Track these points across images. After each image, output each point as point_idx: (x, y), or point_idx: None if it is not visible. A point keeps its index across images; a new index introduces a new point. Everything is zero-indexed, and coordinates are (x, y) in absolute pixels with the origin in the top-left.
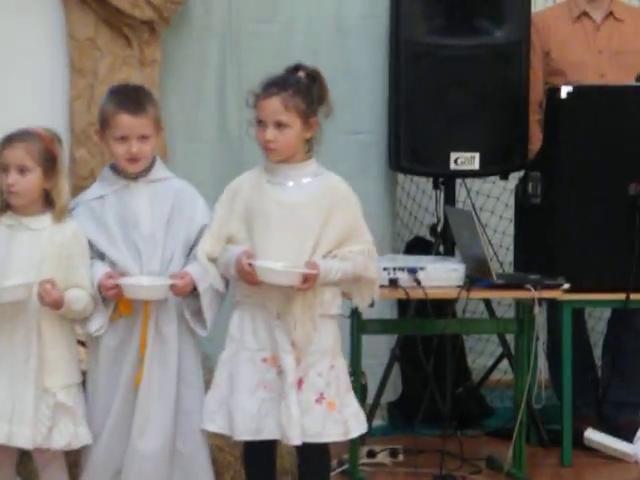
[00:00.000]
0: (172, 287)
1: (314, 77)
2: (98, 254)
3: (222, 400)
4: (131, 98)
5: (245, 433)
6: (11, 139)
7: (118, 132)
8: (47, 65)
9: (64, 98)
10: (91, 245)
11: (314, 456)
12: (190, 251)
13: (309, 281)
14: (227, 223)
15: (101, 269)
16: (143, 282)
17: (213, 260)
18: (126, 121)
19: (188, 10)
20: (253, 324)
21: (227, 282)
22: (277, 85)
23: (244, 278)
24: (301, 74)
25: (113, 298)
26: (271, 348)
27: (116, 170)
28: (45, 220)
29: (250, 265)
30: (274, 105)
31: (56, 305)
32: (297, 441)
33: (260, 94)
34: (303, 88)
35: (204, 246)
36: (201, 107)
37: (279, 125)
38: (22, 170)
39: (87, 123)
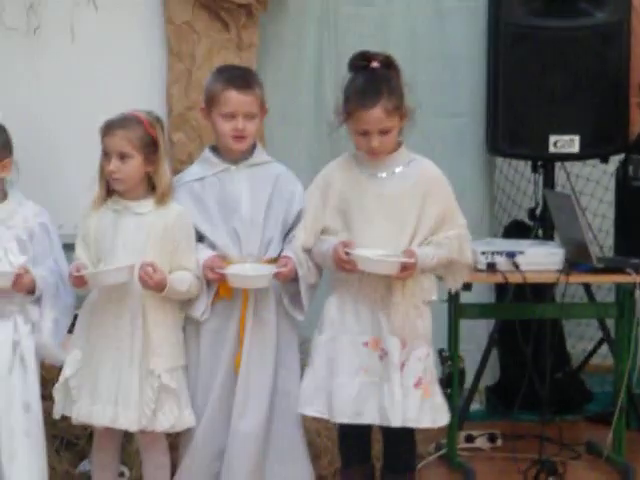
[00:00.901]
0: (276, 274)
1: (388, 63)
2: (197, 235)
3: (320, 383)
4: (239, 76)
5: (345, 416)
6: (111, 126)
7: (226, 108)
8: (145, 49)
9: (161, 82)
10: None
11: (402, 441)
12: (287, 235)
13: (408, 270)
14: (321, 215)
15: (206, 252)
16: (249, 272)
17: (307, 251)
18: (234, 97)
19: None
20: (355, 308)
21: (320, 270)
22: (373, 93)
23: (342, 267)
24: (375, 64)
25: (216, 282)
26: (373, 332)
27: (217, 152)
28: (149, 204)
29: (348, 254)
30: (377, 115)
31: (158, 287)
32: (398, 424)
33: (356, 106)
34: (392, 84)
35: (299, 238)
36: (298, 91)
37: (384, 132)
38: (123, 157)
39: (184, 107)
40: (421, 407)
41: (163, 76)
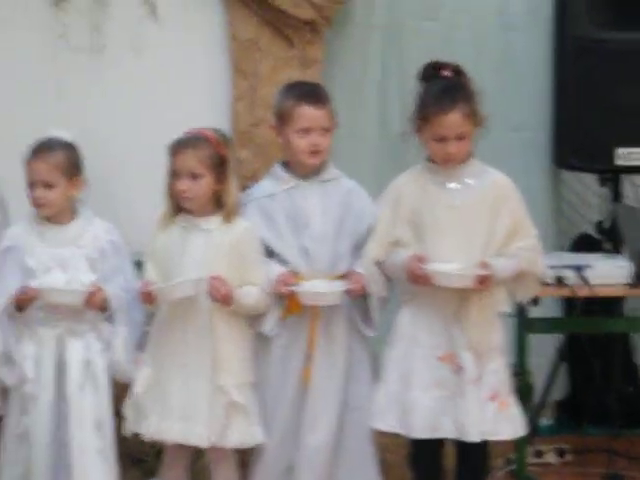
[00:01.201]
0: (346, 291)
1: (458, 72)
2: (267, 251)
3: (393, 398)
4: (311, 91)
5: (422, 431)
6: (181, 145)
7: (300, 124)
8: (210, 67)
9: (226, 99)
10: (261, 242)
11: (475, 455)
12: (357, 250)
13: (485, 282)
14: (392, 227)
15: (277, 268)
16: (320, 289)
17: (378, 264)
18: (309, 113)
19: (350, 8)
20: (428, 322)
21: (390, 283)
22: (451, 97)
23: (416, 282)
24: (446, 72)
25: (287, 298)
26: (447, 346)
27: (288, 168)
28: (216, 220)
29: (422, 269)
30: (455, 120)
31: (226, 301)
32: (476, 438)
33: (434, 110)
34: (467, 91)
35: (369, 251)
36: (363, 106)
37: (460, 137)
38: (194, 176)
39: (249, 124)
40: (497, 419)
41: (228, 93)
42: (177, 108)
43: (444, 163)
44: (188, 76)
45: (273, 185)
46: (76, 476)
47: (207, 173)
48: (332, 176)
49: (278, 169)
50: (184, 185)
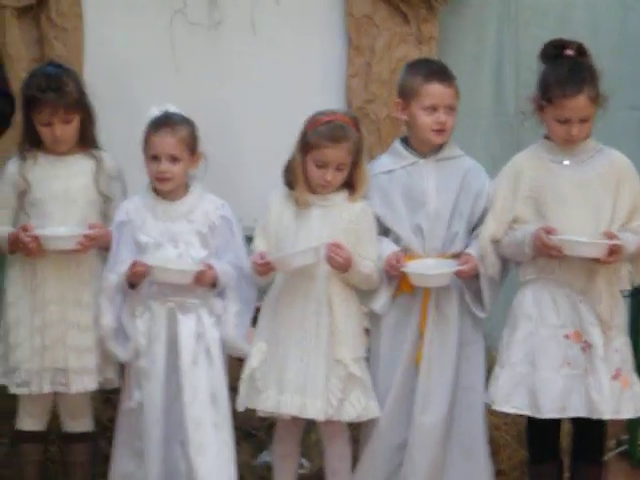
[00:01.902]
0: (457, 272)
1: (581, 51)
2: (382, 228)
3: (519, 380)
4: (440, 68)
5: (551, 411)
6: (333, 139)
7: (428, 101)
8: (325, 42)
9: (341, 75)
10: (376, 218)
11: (595, 434)
12: (473, 230)
13: (615, 254)
14: (511, 205)
15: (390, 247)
16: (429, 270)
17: (495, 243)
18: (437, 90)
19: None
20: (553, 300)
21: (506, 266)
22: (577, 80)
23: (547, 253)
24: (570, 52)
25: (398, 276)
26: (573, 324)
27: (407, 145)
28: (340, 198)
29: (552, 239)
30: (581, 103)
31: (345, 265)
32: (608, 416)
33: (559, 93)
34: (592, 73)
35: (487, 229)
36: (478, 85)
37: (584, 120)
38: (339, 168)
39: (364, 100)
40: (621, 398)
41: (343, 69)
42: (292, 84)
43: (565, 144)
44: (303, 52)
45: (392, 161)
46: (192, 450)
47: (350, 162)
48: (452, 154)
49: (398, 145)
50: (329, 175)
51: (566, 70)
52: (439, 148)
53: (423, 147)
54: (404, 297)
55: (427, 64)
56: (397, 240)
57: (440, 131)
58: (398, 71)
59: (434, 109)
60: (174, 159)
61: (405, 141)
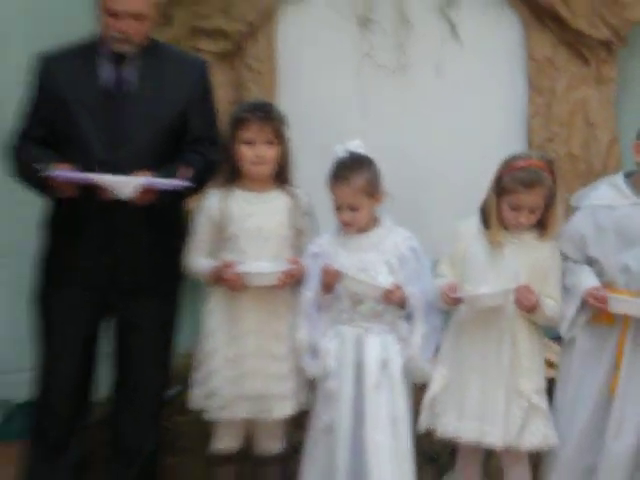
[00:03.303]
0: None
1: None
2: (584, 256)
3: None
4: None
5: None
6: (530, 184)
7: None
8: (507, 84)
9: (522, 115)
10: (582, 244)
11: None
12: None
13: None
14: None
15: (591, 280)
16: (632, 306)
17: None
18: None
19: None
20: None
21: None
22: None
23: None
24: None
25: (597, 308)
26: None
27: (629, 182)
28: (531, 236)
29: None
30: None
31: (533, 308)
32: None
33: None
34: None
35: None
36: None
37: None
38: (531, 211)
39: (544, 139)
40: None
41: (524, 109)
42: (475, 123)
43: None
44: (486, 94)
45: (613, 196)
46: (373, 474)
47: (543, 205)
48: None
49: (621, 181)
50: (523, 218)
51: None
52: None
53: None
54: (600, 326)
55: None
56: (599, 274)
57: None
58: (577, 112)
59: None
60: (353, 208)
61: (628, 177)
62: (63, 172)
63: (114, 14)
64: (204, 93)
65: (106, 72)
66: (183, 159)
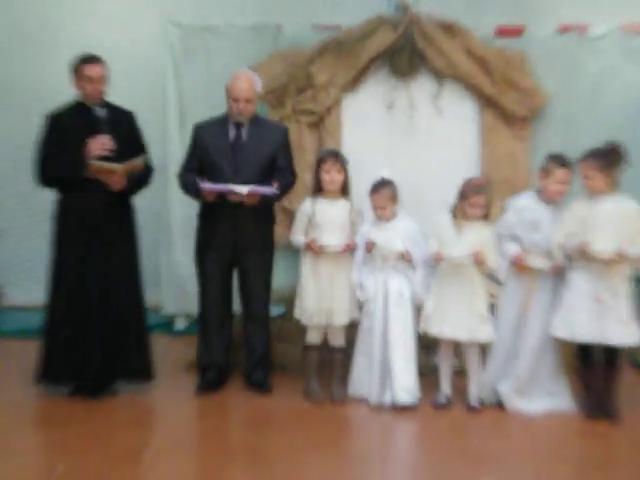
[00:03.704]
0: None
1: None
2: (512, 235)
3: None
4: None
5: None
6: (480, 191)
7: None
8: (469, 139)
9: (477, 156)
10: (511, 228)
11: None
12: None
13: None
14: None
15: (515, 249)
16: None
17: None
18: None
19: None
20: None
21: None
22: None
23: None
24: None
25: (520, 267)
26: None
27: (539, 197)
28: (479, 223)
29: None
30: None
31: (482, 265)
32: None
33: None
34: None
35: None
36: None
37: None
38: (481, 208)
39: (489, 170)
40: None
41: (478, 153)
42: (449, 161)
43: None
44: (456, 144)
45: (527, 202)
46: (392, 354)
47: (485, 205)
48: None
49: (532, 195)
50: (478, 212)
51: None
52: None
53: None
54: (520, 274)
55: None
56: (520, 245)
57: None
58: (507, 155)
59: None
60: (383, 208)
61: (535, 192)
62: (208, 185)
63: (235, 99)
64: (284, 144)
65: (231, 132)
66: (273, 179)
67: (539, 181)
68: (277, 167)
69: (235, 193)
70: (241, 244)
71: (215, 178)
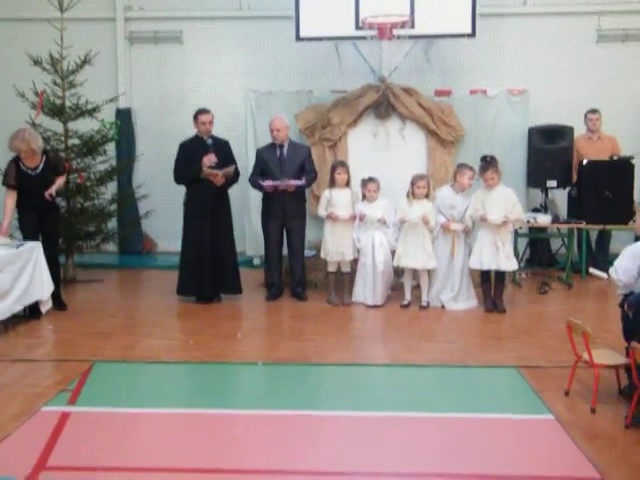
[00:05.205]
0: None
1: None
2: (440, 211)
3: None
4: None
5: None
6: (421, 179)
7: None
8: (419, 155)
9: (424, 163)
10: (439, 208)
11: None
12: None
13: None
14: None
15: (443, 219)
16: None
17: None
18: None
19: None
20: None
21: None
22: None
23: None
24: None
25: (444, 227)
26: None
27: (453, 189)
28: (424, 200)
29: None
30: None
31: (428, 224)
32: None
33: None
34: None
35: None
36: None
37: None
38: (424, 188)
39: (432, 170)
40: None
41: (425, 162)
42: (410, 165)
43: None
44: (414, 157)
45: (446, 192)
46: (377, 279)
47: (427, 186)
48: None
49: (449, 187)
50: (421, 192)
51: None
52: None
53: None
54: (447, 233)
55: None
56: (446, 216)
57: None
58: (441, 164)
59: None
60: (371, 194)
61: (451, 185)
62: (267, 182)
63: (272, 130)
64: (308, 155)
65: (277, 151)
66: (302, 176)
67: (455, 179)
68: (305, 169)
69: (282, 185)
70: (287, 215)
71: (270, 178)
